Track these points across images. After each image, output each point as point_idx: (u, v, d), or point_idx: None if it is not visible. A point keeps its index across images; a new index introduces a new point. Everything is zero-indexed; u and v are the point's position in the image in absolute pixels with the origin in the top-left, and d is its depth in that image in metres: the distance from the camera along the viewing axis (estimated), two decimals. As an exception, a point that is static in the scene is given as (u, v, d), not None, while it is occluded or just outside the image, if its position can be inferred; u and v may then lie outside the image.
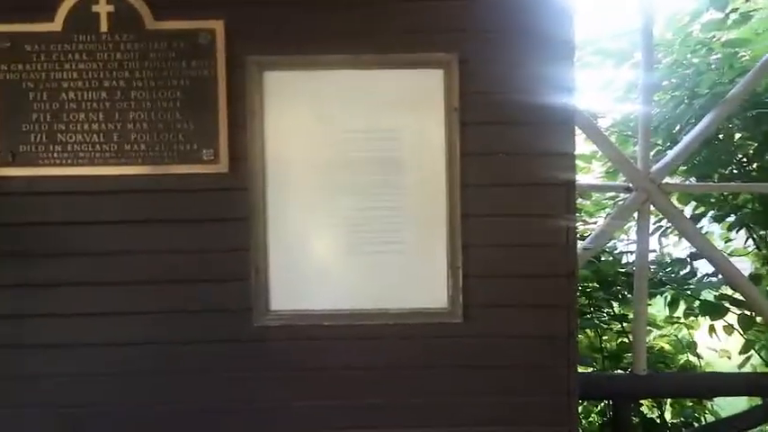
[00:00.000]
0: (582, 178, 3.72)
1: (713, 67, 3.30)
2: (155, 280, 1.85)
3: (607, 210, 3.67)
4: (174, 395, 1.87)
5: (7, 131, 1.82)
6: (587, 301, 3.43)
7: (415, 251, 1.87)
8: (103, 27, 1.83)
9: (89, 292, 1.85)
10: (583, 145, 3.27)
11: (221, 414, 1.87)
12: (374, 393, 1.87)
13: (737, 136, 3.54)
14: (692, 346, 3.64)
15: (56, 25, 1.83)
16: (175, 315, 1.86)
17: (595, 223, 3.60)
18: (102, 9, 1.83)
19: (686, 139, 2.85)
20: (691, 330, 3.71)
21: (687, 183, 3.68)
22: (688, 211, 3.68)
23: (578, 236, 3.59)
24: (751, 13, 3.27)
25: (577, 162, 3.53)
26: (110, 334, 1.86)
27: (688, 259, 3.40)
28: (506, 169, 1.85)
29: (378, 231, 1.86)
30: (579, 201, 3.66)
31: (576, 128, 2.66)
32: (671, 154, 2.85)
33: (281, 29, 1.84)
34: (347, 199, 1.86)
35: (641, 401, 3.39)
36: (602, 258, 3.39)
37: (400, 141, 1.86)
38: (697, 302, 3.27)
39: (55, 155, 1.83)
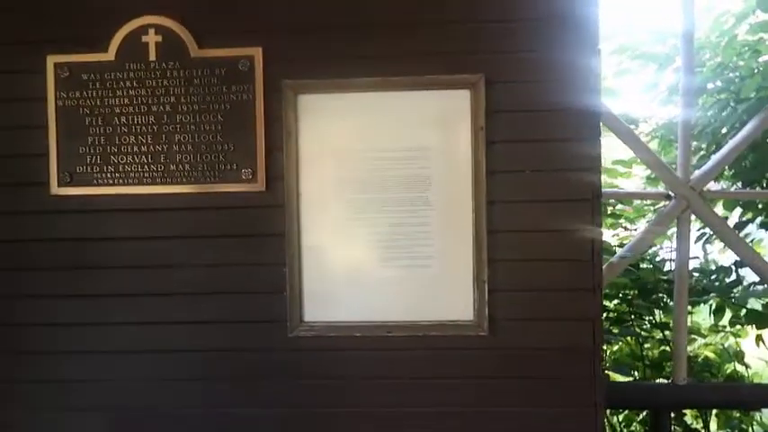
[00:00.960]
0: (623, 183, 3.68)
1: (759, 69, 3.20)
2: (198, 291, 1.96)
3: (648, 216, 3.61)
4: (214, 401, 1.98)
5: (65, 154, 1.97)
6: (627, 309, 3.39)
7: (442, 265, 1.92)
8: (152, 56, 1.95)
9: (139, 302, 1.98)
10: (623, 150, 3.24)
11: (254, 420, 1.97)
12: (402, 403, 1.93)
13: (787, 140, 3.42)
14: (738, 356, 3.54)
15: (109, 55, 1.96)
16: (216, 325, 1.97)
17: (636, 230, 3.55)
18: (151, 39, 1.96)
19: (729, 145, 2.78)
20: (737, 339, 3.61)
21: (733, 189, 3.58)
22: (735, 217, 3.58)
23: (618, 242, 3.57)
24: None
25: (618, 167, 3.52)
26: (155, 342, 1.98)
27: (733, 267, 3.31)
28: (532, 185, 1.88)
29: (407, 246, 1.93)
30: (619, 207, 3.62)
31: (614, 134, 2.67)
32: (713, 160, 2.79)
33: (314, 54, 1.92)
34: (377, 215, 1.93)
35: (685, 412, 3.33)
36: (642, 266, 3.34)
37: (429, 160, 1.92)
38: (743, 311, 3.19)
39: (108, 175, 1.97)
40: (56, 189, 1.97)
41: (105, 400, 2.00)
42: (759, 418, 3.39)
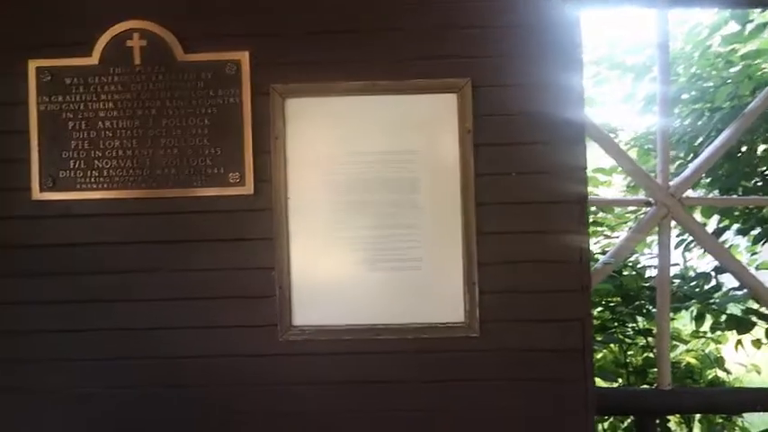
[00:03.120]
0: (603, 192, 3.73)
1: (731, 80, 3.30)
2: (185, 296, 1.93)
3: (629, 223, 3.66)
4: (203, 407, 1.95)
5: (48, 159, 1.94)
6: (611, 316, 3.42)
7: (432, 268, 1.92)
8: (137, 60, 1.94)
9: (125, 308, 1.94)
10: (603, 158, 3.29)
11: (245, 425, 1.94)
12: (392, 405, 1.92)
13: (762, 148, 3.52)
14: (719, 361, 3.58)
15: (93, 59, 1.94)
16: (205, 330, 1.94)
17: (617, 237, 3.59)
18: (136, 43, 1.94)
19: (706, 153, 2.84)
20: (718, 345, 3.65)
21: (710, 196, 3.66)
22: (713, 224, 3.65)
23: (600, 250, 3.61)
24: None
25: (598, 176, 3.57)
26: (142, 348, 1.94)
27: (713, 273, 3.36)
28: (520, 188, 1.91)
29: (395, 249, 1.92)
30: (600, 214, 3.67)
31: (595, 142, 2.71)
32: (691, 167, 2.84)
33: (301, 58, 1.93)
34: (366, 218, 1.93)
35: (668, 417, 3.35)
36: (625, 273, 3.38)
37: (416, 163, 1.92)
38: (724, 317, 3.23)
39: (92, 180, 1.94)
40: (37, 194, 1.94)
41: (95, 409, 1.95)
42: (741, 423, 3.43)
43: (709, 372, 3.61)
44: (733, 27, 3.36)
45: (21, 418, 1.96)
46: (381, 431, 1.92)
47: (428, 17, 1.92)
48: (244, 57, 1.93)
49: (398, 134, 1.93)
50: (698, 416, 3.39)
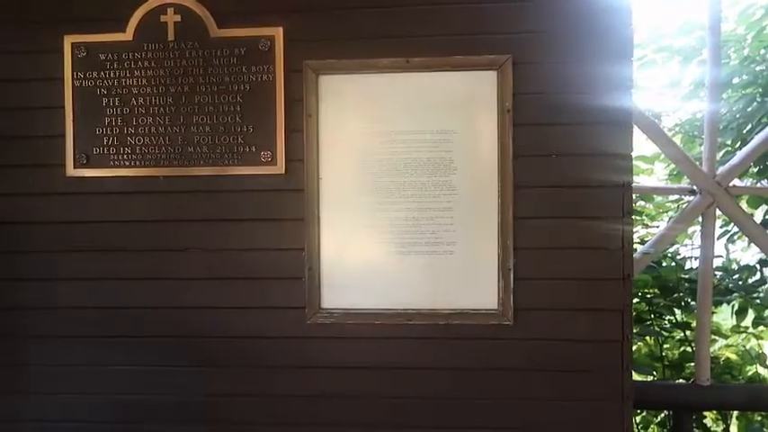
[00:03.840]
0: (644, 180, 3.61)
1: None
2: (214, 276, 1.93)
3: (670, 213, 3.54)
4: (229, 388, 1.94)
5: (82, 135, 1.94)
6: (647, 308, 3.32)
7: (466, 252, 1.87)
8: (170, 36, 1.92)
9: (156, 286, 1.95)
10: (645, 146, 3.18)
11: (270, 408, 1.93)
12: (422, 392, 1.88)
13: (815, 136, 3.33)
14: (761, 358, 3.45)
15: (127, 35, 1.93)
16: (232, 311, 1.93)
17: (657, 227, 3.48)
18: (170, 19, 1.92)
19: (756, 140, 2.71)
20: (760, 341, 3.53)
21: (759, 185, 3.50)
22: (759, 215, 3.50)
23: (639, 240, 3.50)
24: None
25: (640, 164, 3.45)
26: (170, 327, 1.95)
27: (758, 266, 3.24)
28: (560, 171, 1.83)
29: (429, 232, 1.87)
30: (641, 204, 3.55)
31: (638, 128, 2.61)
32: (739, 155, 2.72)
33: (336, 34, 1.88)
34: (399, 199, 1.88)
35: (704, 413, 3.25)
36: (664, 264, 3.27)
37: (453, 143, 1.86)
38: (767, 312, 3.12)
39: (125, 157, 1.94)
40: (72, 171, 1.95)
41: (117, 386, 1.97)
42: (782, 422, 3.31)
43: (749, 368, 3.49)
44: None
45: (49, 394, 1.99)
46: (408, 418, 1.89)
47: (467, -9, 1.85)
48: (277, 32, 1.89)
49: (434, 113, 1.87)
50: (735, 413, 3.28)
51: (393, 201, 1.88)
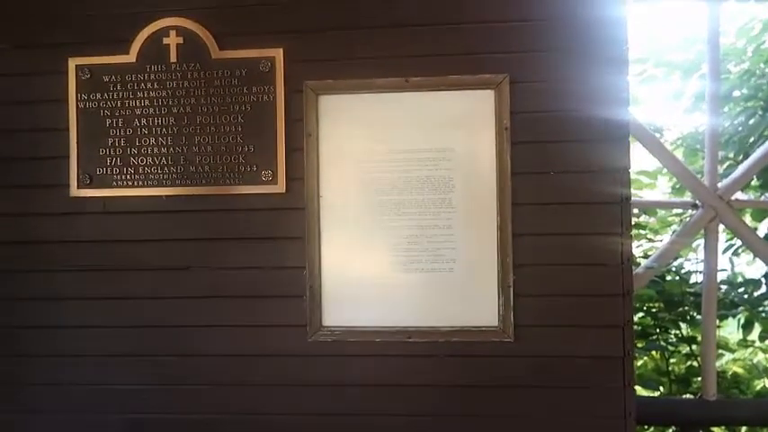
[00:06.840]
0: (647, 194, 3.61)
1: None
2: (215, 294, 1.93)
3: (673, 227, 3.53)
4: (231, 406, 1.94)
5: (86, 156, 1.96)
6: (653, 322, 3.30)
7: (466, 269, 1.87)
8: (173, 57, 1.95)
9: (158, 305, 1.96)
10: (648, 160, 3.18)
11: (271, 426, 1.93)
12: (423, 410, 1.88)
13: (818, 149, 3.33)
14: (768, 372, 3.43)
15: (130, 57, 1.96)
16: (234, 329, 1.93)
17: (660, 241, 3.47)
18: (172, 41, 1.95)
19: (757, 153, 2.72)
20: (767, 355, 3.49)
21: (762, 199, 3.49)
22: (763, 228, 3.49)
23: (642, 254, 3.49)
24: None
25: (642, 178, 3.45)
26: (174, 346, 1.95)
27: (763, 279, 3.22)
28: (558, 187, 1.84)
29: (428, 250, 1.88)
30: (644, 218, 3.55)
31: (639, 143, 2.62)
32: (741, 168, 2.72)
33: (335, 54, 1.90)
34: (399, 217, 1.89)
35: (712, 429, 3.22)
36: (668, 278, 3.26)
37: (452, 161, 1.88)
38: (774, 325, 3.10)
39: (128, 177, 1.96)
40: (75, 191, 1.97)
41: (119, 405, 1.97)
42: (791, 438, 3.26)
43: (757, 382, 3.46)
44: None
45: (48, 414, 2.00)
46: (409, 435, 1.88)
47: (464, 11, 1.87)
48: (278, 54, 1.91)
49: (433, 132, 1.88)
50: (744, 428, 3.24)
51: (393, 219, 1.89)
